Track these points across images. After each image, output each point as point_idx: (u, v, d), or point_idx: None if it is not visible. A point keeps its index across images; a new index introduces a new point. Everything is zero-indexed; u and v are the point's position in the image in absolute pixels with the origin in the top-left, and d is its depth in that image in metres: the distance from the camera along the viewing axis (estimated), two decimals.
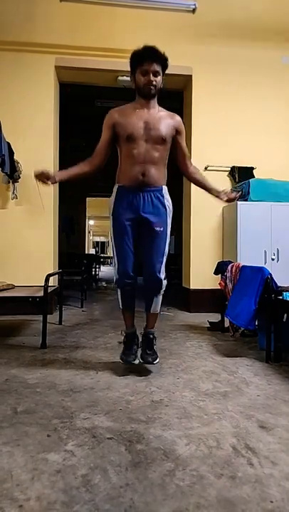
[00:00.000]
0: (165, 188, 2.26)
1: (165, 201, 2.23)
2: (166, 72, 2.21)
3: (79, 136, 7.29)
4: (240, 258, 3.97)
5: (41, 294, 2.86)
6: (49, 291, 2.94)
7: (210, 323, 3.56)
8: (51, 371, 2.25)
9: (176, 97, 4.86)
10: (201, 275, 4.48)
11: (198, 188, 2.44)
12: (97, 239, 28.02)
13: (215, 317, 3.63)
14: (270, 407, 1.77)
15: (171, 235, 2.30)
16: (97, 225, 22.07)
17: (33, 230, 4.19)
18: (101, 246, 28.32)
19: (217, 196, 2.34)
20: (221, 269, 3.42)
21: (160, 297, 2.31)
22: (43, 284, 2.85)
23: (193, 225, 4.55)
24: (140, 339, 2.38)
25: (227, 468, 1.25)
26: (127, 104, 2.24)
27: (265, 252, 4.08)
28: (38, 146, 4.22)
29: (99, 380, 2.11)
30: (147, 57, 2.08)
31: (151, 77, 2.10)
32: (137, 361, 2.27)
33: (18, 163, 4.04)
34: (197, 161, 4.45)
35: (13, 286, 3.36)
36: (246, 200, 4.14)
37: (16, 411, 1.69)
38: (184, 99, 4.92)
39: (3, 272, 3.89)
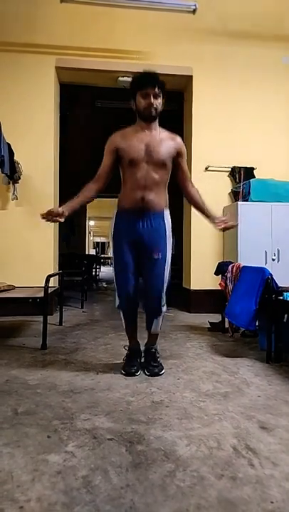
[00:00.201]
0: (166, 212, 2.25)
1: (166, 226, 2.22)
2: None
3: (79, 137, 7.30)
4: (241, 258, 3.97)
5: (41, 294, 2.86)
6: (49, 291, 2.94)
7: (210, 323, 3.56)
8: (52, 372, 2.25)
9: (177, 97, 4.87)
10: (201, 276, 4.48)
11: (196, 210, 2.39)
12: (98, 239, 28.04)
13: (215, 318, 3.63)
14: (271, 407, 1.77)
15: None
16: (98, 226, 22.07)
17: (33, 231, 4.19)
18: (101, 246, 28.33)
19: (214, 223, 2.26)
20: (221, 269, 3.42)
21: (160, 319, 2.31)
22: (43, 285, 2.85)
23: (193, 225, 4.55)
24: (143, 353, 2.39)
25: (228, 469, 1.25)
26: (127, 128, 2.23)
27: (266, 252, 4.08)
28: (39, 147, 4.23)
29: (99, 380, 2.11)
30: (148, 81, 2.10)
31: (152, 100, 2.10)
32: (139, 373, 2.25)
33: (18, 164, 4.05)
34: (198, 161, 4.48)
35: (13, 287, 3.36)
36: (247, 201, 4.14)
37: (17, 412, 1.69)
38: (184, 100, 4.92)
39: (4, 273, 3.89)
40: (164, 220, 2.22)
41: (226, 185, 4.58)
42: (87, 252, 13.52)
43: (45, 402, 1.79)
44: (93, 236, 25.87)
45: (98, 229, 23.48)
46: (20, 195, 4.14)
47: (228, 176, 4.59)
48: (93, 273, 9.99)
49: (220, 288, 3.33)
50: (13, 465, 1.26)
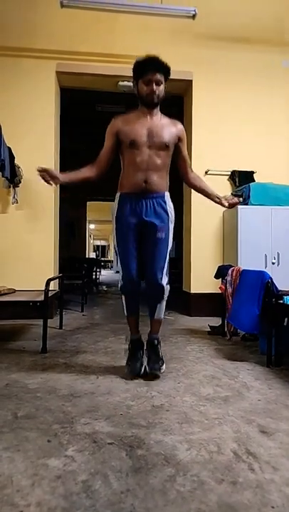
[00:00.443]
0: (167, 195, 2.27)
1: (167, 207, 2.25)
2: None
3: (79, 140, 7.32)
4: (241, 262, 3.97)
5: (42, 298, 2.86)
6: (50, 295, 2.94)
7: (210, 327, 3.56)
8: (52, 376, 2.25)
9: (177, 101, 4.89)
10: (201, 279, 4.48)
11: (199, 193, 2.45)
12: (98, 243, 28.06)
13: (215, 321, 3.63)
14: (271, 411, 1.77)
15: (173, 240, 2.31)
16: (98, 229, 22.10)
17: (33, 234, 4.20)
18: (102, 250, 28.35)
19: (218, 202, 2.35)
20: (221, 273, 3.42)
21: (163, 303, 2.32)
22: (43, 289, 2.85)
23: (193, 228, 4.55)
24: (145, 346, 2.38)
25: (228, 474, 1.25)
26: (129, 113, 2.26)
27: (266, 256, 4.09)
28: (39, 151, 4.24)
29: (99, 384, 2.10)
30: (150, 67, 2.11)
31: (154, 87, 2.12)
32: (143, 369, 2.25)
33: (19, 167, 4.06)
34: (197, 165, 4.48)
35: (13, 291, 3.36)
36: (247, 204, 4.15)
37: (17, 416, 1.68)
38: (184, 104, 4.95)
39: (4, 277, 3.90)
40: (165, 202, 2.25)
41: (226, 188, 4.59)
42: (87, 256, 13.51)
43: (45, 406, 1.79)
44: (93, 239, 25.90)
45: (98, 232, 23.50)
46: (20, 198, 4.15)
47: (228, 179, 4.60)
48: (93, 276, 9.98)
49: (220, 291, 3.34)
50: (13, 469, 1.26)
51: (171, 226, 2.27)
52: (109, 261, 21.96)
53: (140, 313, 2.40)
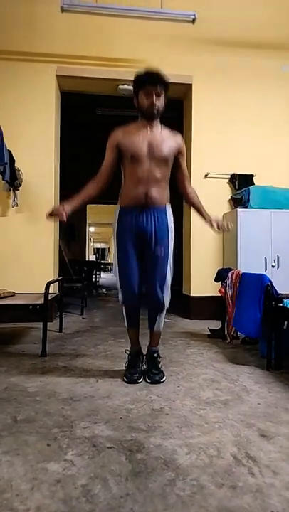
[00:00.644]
0: (168, 207, 2.27)
1: (168, 221, 2.24)
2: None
3: (79, 144, 7.34)
4: (241, 265, 3.97)
5: (41, 301, 2.86)
6: (49, 298, 2.94)
7: (210, 330, 3.55)
8: (51, 379, 2.24)
9: (176, 105, 4.91)
10: (201, 282, 4.48)
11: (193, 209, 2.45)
12: (98, 245, 28.08)
13: (215, 324, 3.63)
14: (271, 415, 1.76)
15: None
16: (98, 232, 22.12)
17: (33, 238, 4.20)
18: (101, 253, 28.36)
19: (209, 223, 2.33)
20: (221, 276, 3.42)
21: (163, 316, 2.32)
22: (43, 292, 2.85)
23: (193, 231, 4.55)
24: (145, 358, 2.38)
25: (228, 478, 1.25)
26: (130, 125, 2.26)
27: (266, 259, 4.09)
28: (39, 154, 4.25)
29: (99, 388, 2.10)
30: (150, 80, 2.12)
31: (154, 100, 2.12)
32: (141, 380, 2.24)
33: (19, 171, 4.07)
34: (197, 169, 4.51)
35: (13, 294, 3.36)
36: (246, 208, 4.16)
37: (16, 420, 1.68)
38: (183, 108, 4.96)
39: (4, 280, 3.89)
40: (166, 215, 2.25)
41: (226, 192, 4.60)
42: (87, 258, 13.52)
43: (45, 410, 1.79)
44: (93, 242, 25.91)
45: (98, 235, 23.52)
46: (20, 202, 4.15)
47: (228, 182, 4.61)
48: (93, 279, 9.98)
49: (220, 294, 3.34)
50: (13, 473, 1.26)
51: (172, 242, 2.26)
52: (109, 264, 21.99)
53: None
